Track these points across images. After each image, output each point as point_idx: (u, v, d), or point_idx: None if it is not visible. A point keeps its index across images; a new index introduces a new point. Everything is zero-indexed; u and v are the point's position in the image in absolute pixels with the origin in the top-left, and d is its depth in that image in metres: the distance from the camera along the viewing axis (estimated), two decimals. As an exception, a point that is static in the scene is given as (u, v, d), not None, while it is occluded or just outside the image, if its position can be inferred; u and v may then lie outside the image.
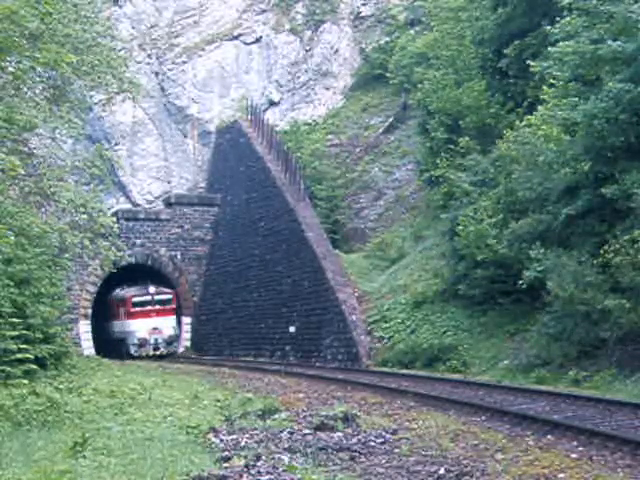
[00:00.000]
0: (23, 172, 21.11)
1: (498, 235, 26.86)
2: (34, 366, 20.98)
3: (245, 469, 11.31)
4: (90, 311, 44.92)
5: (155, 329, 45.16)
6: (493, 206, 27.89)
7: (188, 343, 48.48)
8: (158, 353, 44.64)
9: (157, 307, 45.49)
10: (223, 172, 49.73)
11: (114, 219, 28.91)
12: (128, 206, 50.72)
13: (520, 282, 24.46)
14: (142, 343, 44.78)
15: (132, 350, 44.70)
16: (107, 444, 13.01)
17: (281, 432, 14.80)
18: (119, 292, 48.18)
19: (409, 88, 42.91)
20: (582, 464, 11.17)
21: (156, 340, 44.91)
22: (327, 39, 53.78)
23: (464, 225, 27.92)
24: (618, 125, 21.64)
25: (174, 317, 46.22)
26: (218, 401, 20.14)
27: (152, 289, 45.74)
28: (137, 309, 45.32)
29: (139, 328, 44.97)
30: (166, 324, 45.49)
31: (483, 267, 27.50)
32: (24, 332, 21.13)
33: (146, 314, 45.04)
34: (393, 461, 12.08)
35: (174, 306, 46.37)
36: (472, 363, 26.61)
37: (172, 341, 45.57)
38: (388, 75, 47.44)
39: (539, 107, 26.18)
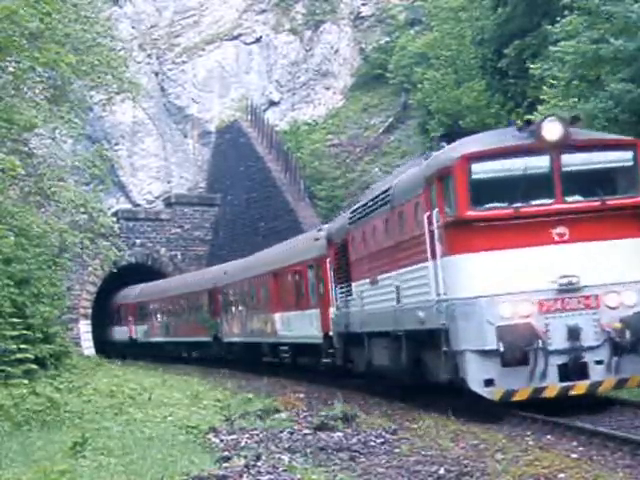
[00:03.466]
0: (23, 172, 21.14)
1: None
2: (34, 366, 20.91)
3: (245, 469, 11.29)
4: (90, 311, 44.86)
5: (572, 290, 13.43)
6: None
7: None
8: (583, 388, 14.05)
9: (578, 204, 13.87)
10: (223, 172, 49.72)
11: (114, 219, 28.95)
12: (128, 206, 50.73)
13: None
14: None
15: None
16: (107, 444, 13.00)
17: (281, 432, 14.78)
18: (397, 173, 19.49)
19: (409, 88, 42.91)
20: (582, 464, 11.15)
21: (574, 337, 13.47)
22: (327, 39, 53.77)
23: None
24: (618, 125, 21.62)
25: None
26: (218, 401, 20.13)
27: (556, 128, 13.93)
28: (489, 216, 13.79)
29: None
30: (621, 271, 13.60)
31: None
32: (24, 332, 21.09)
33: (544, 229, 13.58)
34: (393, 461, 12.06)
35: None
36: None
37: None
38: (388, 75, 47.41)
39: (539, 107, 26.15)
